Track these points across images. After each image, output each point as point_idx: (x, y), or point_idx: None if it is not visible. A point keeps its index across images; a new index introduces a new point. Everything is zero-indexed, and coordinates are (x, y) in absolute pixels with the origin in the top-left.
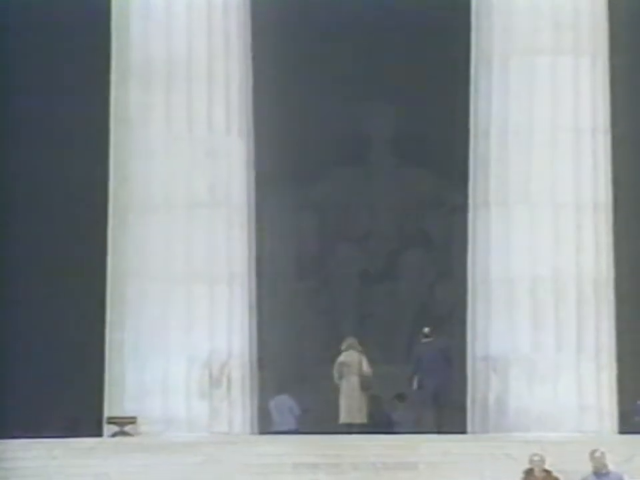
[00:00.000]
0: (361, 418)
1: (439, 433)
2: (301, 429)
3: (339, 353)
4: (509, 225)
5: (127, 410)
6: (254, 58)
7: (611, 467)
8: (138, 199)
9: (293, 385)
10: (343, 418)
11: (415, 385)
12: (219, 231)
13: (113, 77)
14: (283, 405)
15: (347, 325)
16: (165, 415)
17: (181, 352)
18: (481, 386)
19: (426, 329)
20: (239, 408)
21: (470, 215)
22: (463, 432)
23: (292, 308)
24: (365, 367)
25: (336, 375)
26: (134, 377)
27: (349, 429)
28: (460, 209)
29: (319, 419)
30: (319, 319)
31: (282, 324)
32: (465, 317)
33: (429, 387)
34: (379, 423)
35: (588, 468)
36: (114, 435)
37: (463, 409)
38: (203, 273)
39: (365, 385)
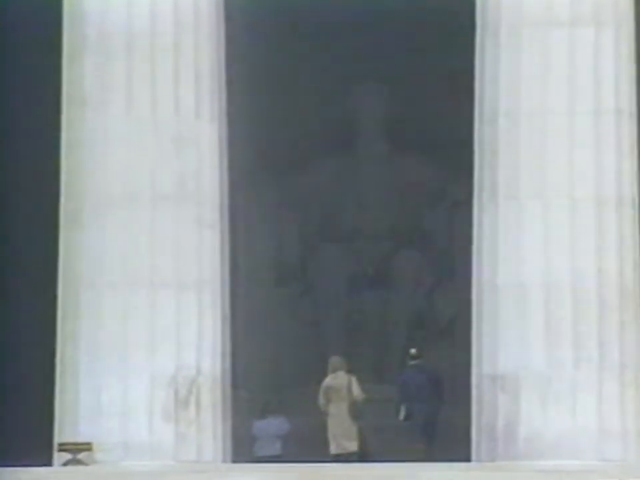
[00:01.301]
0: (351, 447)
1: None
2: (283, 456)
3: (324, 371)
4: (519, 223)
5: (81, 435)
6: (227, 31)
7: None
8: (94, 192)
9: (270, 405)
10: (333, 449)
11: (401, 415)
12: (187, 229)
13: (65, 52)
14: (269, 429)
15: (333, 337)
16: (124, 440)
17: (143, 368)
18: (488, 408)
19: (413, 350)
20: (209, 432)
21: (475, 211)
22: (467, 460)
23: (270, 318)
24: (356, 390)
25: (322, 400)
26: (89, 396)
27: (338, 459)
28: (463, 204)
29: (302, 445)
30: (301, 330)
31: (259, 336)
32: (469, 328)
33: (418, 417)
34: (372, 452)
35: None
36: (66, 463)
37: (466, 435)
38: (169, 278)
39: (357, 411)
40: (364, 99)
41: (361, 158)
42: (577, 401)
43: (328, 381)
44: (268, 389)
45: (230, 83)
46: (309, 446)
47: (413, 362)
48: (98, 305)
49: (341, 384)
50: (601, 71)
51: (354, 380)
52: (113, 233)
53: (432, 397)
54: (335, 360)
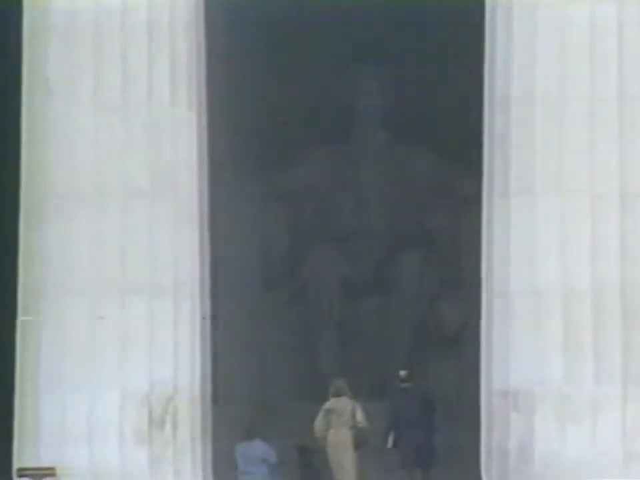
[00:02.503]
0: (349, 476)
1: None
2: None
3: (316, 386)
4: (535, 221)
5: (44, 458)
6: (208, 8)
7: None
8: (58, 187)
9: (256, 425)
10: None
11: (389, 442)
12: (162, 227)
13: (26, 31)
14: (254, 452)
15: (326, 348)
16: (92, 464)
17: (113, 384)
18: (499, 428)
19: (402, 372)
20: (187, 456)
21: (484, 209)
22: None
23: (256, 327)
24: (360, 417)
25: (321, 425)
26: (52, 415)
27: None
28: (472, 201)
29: (292, 470)
30: (291, 340)
31: (243, 348)
32: (478, 339)
33: (409, 444)
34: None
35: None
36: None
37: (475, 458)
38: (142, 283)
39: (360, 440)
40: (361, 84)
41: (357, 149)
42: (598, 419)
43: (330, 404)
44: (253, 407)
45: (210, 66)
46: (299, 471)
47: (402, 385)
48: (62, 313)
49: (344, 408)
50: (625, 53)
51: (358, 406)
52: (80, 232)
53: (424, 422)
54: (338, 383)
